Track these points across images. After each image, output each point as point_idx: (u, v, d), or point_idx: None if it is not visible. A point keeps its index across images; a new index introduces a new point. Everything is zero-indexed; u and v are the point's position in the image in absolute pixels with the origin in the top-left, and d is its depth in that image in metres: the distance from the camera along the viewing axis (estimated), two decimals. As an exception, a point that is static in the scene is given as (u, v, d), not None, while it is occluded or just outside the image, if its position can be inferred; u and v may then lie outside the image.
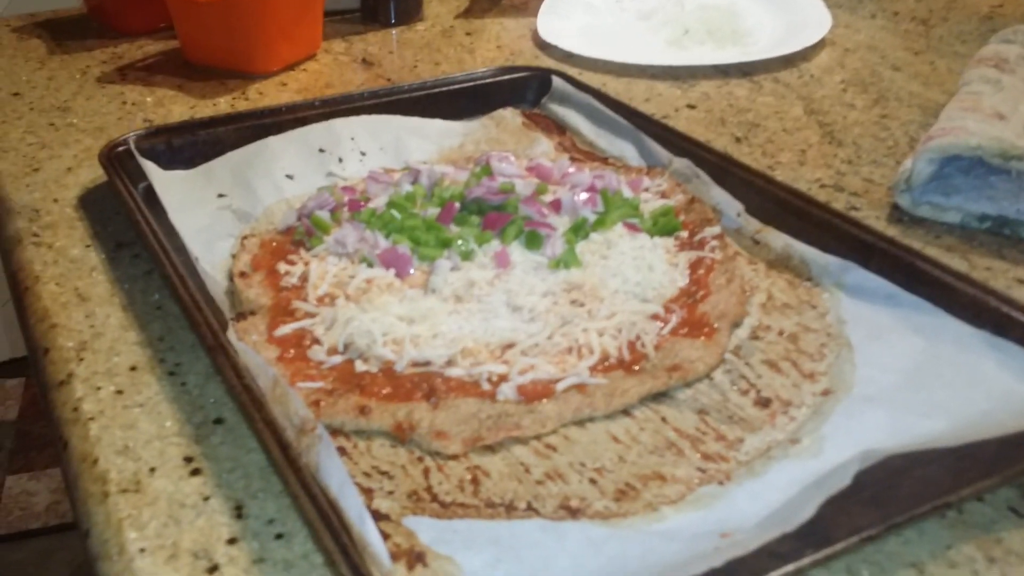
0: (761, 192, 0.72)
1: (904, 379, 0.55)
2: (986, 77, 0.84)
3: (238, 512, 0.47)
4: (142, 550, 0.45)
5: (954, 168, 0.74)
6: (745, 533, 0.45)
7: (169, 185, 0.74)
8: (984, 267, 0.67)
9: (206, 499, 0.48)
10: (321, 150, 0.81)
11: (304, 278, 0.65)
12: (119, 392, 0.56)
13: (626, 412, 0.55)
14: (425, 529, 0.46)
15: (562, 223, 0.70)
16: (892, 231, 0.71)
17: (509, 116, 0.89)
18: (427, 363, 0.57)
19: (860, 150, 0.85)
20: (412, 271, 0.65)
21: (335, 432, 0.53)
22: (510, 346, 0.58)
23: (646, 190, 0.75)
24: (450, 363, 0.57)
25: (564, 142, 0.87)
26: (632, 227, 0.69)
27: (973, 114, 0.76)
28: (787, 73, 1.04)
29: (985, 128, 0.73)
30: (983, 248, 0.70)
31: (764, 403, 0.55)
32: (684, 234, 0.70)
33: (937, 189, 0.73)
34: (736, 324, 0.62)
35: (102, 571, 0.45)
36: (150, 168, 0.75)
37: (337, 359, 0.58)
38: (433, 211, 0.71)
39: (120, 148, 0.78)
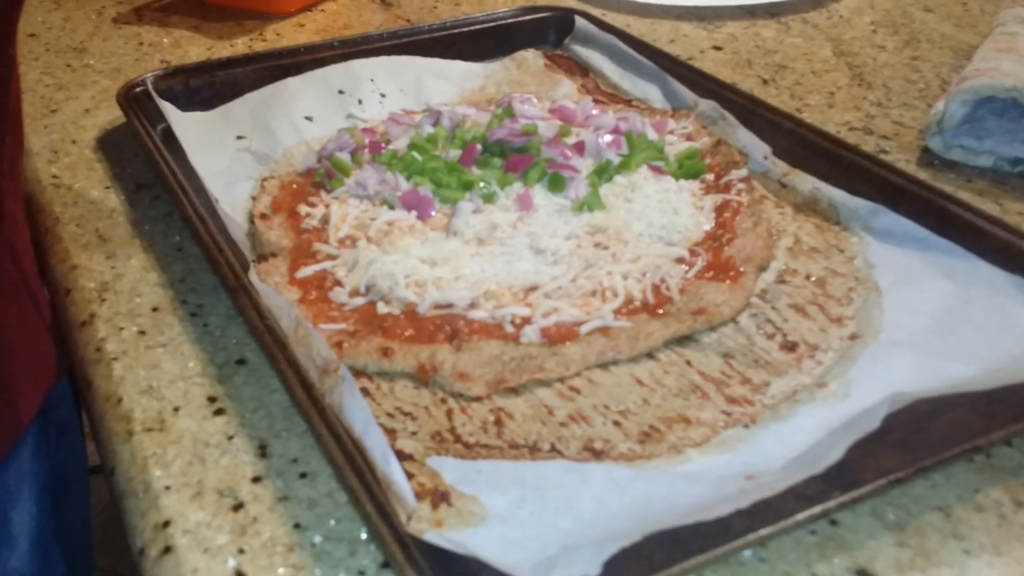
0: (789, 134, 0.71)
1: (934, 323, 0.54)
2: (1021, 18, 0.81)
3: (262, 451, 0.47)
4: (167, 488, 0.45)
5: (987, 111, 0.72)
6: (771, 476, 0.44)
7: (188, 126, 0.73)
8: (1016, 211, 0.66)
9: (230, 438, 0.48)
10: (340, 92, 0.80)
11: (325, 220, 0.64)
12: (142, 333, 0.56)
13: (650, 355, 0.54)
14: (449, 469, 0.45)
15: (586, 165, 0.69)
16: (922, 174, 0.70)
17: (531, 57, 0.88)
18: (450, 305, 0.56)
19: (890, 92, 0.83)
20: (434, 213, 0.65)
21: (358, 374, 0.53)
22: (533, 289, 0.58)
23: (671, 132, 0.74)
24: (473, 305, 0.56)
25: (587, 84, 0.85)
26: (657, 170, 0.68)
27: (1008, 55, 0.74)
28: (816, 14, 1.01)
29: (1020, 69, 0.71)
30: (1016, 192, 0.68)
31: (790, 347, 0.55)
32: (710, 177, 0.69)
33: (969, 132, 0.72)
34: (762, 268, 0.61)
35: (128, 508, 0.45)
36: (168, 109, 0.74)
37: (359, 301, 0.57)
38: (455, 153, 0.70)
39: (138, 89, 0.78)
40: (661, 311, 0.56)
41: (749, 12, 1.02)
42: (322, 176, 0.69)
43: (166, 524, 0.44)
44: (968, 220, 0.59)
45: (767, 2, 1.03)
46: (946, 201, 0.61)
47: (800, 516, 0.41)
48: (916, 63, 0.89)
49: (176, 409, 0.50)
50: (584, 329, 0.54)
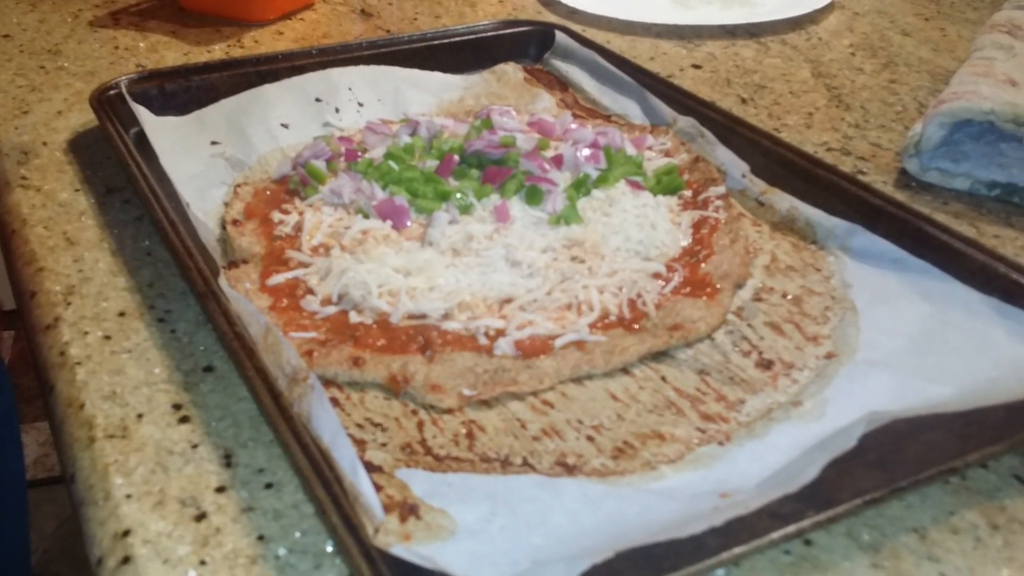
0: (767, 153, 0.71)
1: (910, 344, 0.54)
2: (999, 43, 0.82)
3: (227, 460, 0.46)
4: (128, 496, 0.44)
5: (964, 134, 0.72)
6: (745, 494, 0.44)
7: (161, 131, 0.72)
8: (992, 234, 0.66)
9: (194, 447, 0.47)
10: (318, 99, 0.80)
11: (298, 228, 0.64)
12: (107, 337, 0.55)
13: (625, 370, 0.54)
14: (418, 482, 0.45)
15: (563, 179, 0.68)
16: (899, 196, 0.70)
17: (511, 71, 0.87)
18: (423, 316, 0.56)
19: (868, 114, 0.84)
20: (409, 223, 0.64)
21: (328, 383, 0.52)
22: (508, 301, 0.57)
23: (650, 148, 0.74)
24: (447, 316, 0.56)
25: (566, 98, 0.85)
26: (635, 185, 0.68)
27: (985, 79, 0.74)
28: (795, 35, 1.02)
29: (998, 93, 0.71)
30: (991, 215, 0.68)
31: (766, 365, 0.54)
32: (688, 193, 0.68)
33: (946, 155, 0.72)
34: (739, 285, 0.60)
35: (87, 516, 0.44)
36: (142, 113, 0.73)
37: (331, 310, 0.56)
38: (432, 163, 0.69)
39: (111, 92, 0.77)
40: (637, 326, 0.56)
41: (729, 32, 1.02)
42: (297, 183, 0.68)
43: (126, 533, 0.42)
44: (944, 242, 0.59)
45: (746, 23, 1.04)
46: (923, 222, 0.61)
47: (774, 535, 0.40)
48: (894, 86, 0.89)
49: (140, 416, 0.49)
50: (559, 343, 0.54)
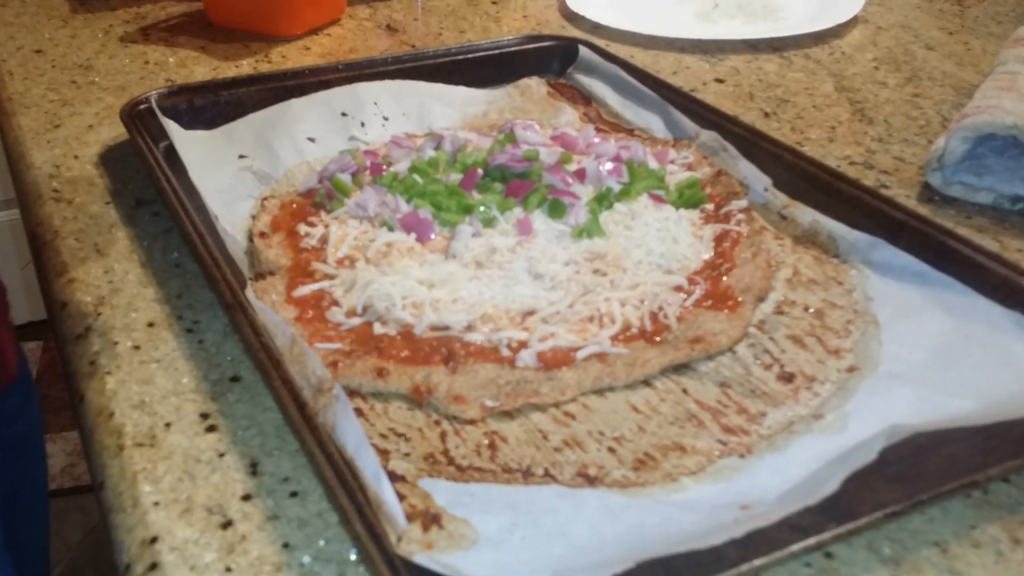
0: (789, 167, 0.71)
1: (932, 358, 0.54)
2: (1022, 57, 0.82)
3: (253, 469, 0.47)
4: (156, 503, 0.45)
5: (987, 148, 0.72)
6: (766, 506, 0.44)
7: (190, 144, 0.73)
8: (1016, 249, 0.66)
9: (221, 455, 0.48)
10: (344, 114, 0.81)
11: (324, 240, 0.64)
12: (136, 347, 0.56)
13: (646, 383, 0.54)
14: (441, 492, 0.45)
15: (586, 192, 0.69)
16: (922, 210, 0.69)
17: (534, 85, 0.88)
18: (446, 327, 0.56)
19: (891, 128, 0.84)
20: (433, 236, 0.64)
21: (352, 393, 0.52)
22: (531, 313, 0.58)
23: (672, 162, 0.74)
24: (470, 328, 0.56)
25: (589, 112, 0.86)
26: (657, 198, 0.68)
27: (1008, 94, 0.74)
28: (818, 49, 1.02)
29: (1021, 107, 0.71)
30: (1015, 230, 0.68)
31: (788, 378, 0.54)
32: (710, 207, 0.69)
33: (969, 169, 0.72)
34: (761, 298, 0.61)
35: (116, 523, 0.45)
36: (171, 127, 0.74)
37: (355, 321, 0.57)
38: (456, 177, 0.70)
39: (142, 106, 0.78)
40: (658, 339, 0.56)
41: (751, 46, 1.03)
42: (322, 196, 0.69)
43: (153, 540, 0.43)
44: (967, 256, 0.59)
45: (769, 37, 1.04)
46: (946, 236, 0.61)
47: (795, 547, 0.40)
48: (917, 100, 0.89)
49: (168, 425, 0.50)
50: (580, 355, 0.54)
